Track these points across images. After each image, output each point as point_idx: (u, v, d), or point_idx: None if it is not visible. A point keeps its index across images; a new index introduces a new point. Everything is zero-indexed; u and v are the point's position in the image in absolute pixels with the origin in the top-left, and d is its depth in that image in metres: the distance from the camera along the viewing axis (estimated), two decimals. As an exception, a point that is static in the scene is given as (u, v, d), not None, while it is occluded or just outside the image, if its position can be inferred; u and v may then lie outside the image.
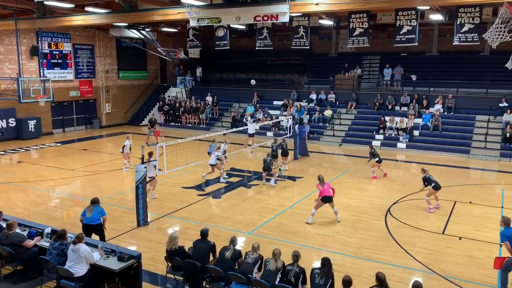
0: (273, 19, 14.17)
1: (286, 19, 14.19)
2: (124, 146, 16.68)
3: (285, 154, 16.84)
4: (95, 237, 9.29)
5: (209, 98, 29.22)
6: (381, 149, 22.01)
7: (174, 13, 15.64)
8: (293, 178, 16.16)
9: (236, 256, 7.68)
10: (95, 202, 9.36)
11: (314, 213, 11.64)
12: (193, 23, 15.37)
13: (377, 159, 15.96)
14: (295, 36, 20.47)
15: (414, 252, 9.77)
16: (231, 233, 10.71)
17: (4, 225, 8.42)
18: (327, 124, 24.69)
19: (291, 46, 20.08)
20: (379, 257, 9.52)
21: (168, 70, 34.17)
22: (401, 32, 19.51)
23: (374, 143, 22.46)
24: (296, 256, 7.27)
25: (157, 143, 14.88)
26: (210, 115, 28.67)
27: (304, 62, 31.50)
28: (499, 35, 5.98)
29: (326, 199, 11.41)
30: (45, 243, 8.29)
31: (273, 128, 24.94)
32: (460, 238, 10.58)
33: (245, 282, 7.21)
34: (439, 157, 20.27)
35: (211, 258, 8.03)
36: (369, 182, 15.71)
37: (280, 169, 16.87)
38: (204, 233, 8.18)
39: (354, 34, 20.46)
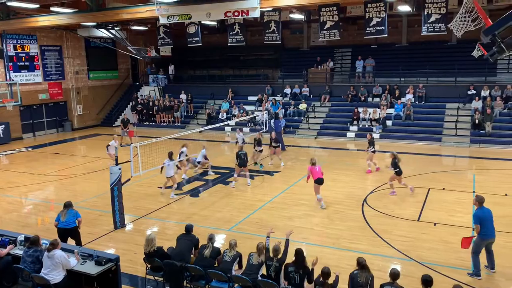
0: (244, 14, 14.13)
1: (257, 14, 14.18)
2: (109, 145, 16.44)
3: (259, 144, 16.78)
4: (71, 241, 9.11)
5: (183, 96, 28.99)
6: (356, 140, 22.39)
7: (143, 11, 15.42)
8: (270, 173, 16.20)
9: (215, 253, 7.66)
10: (68, 205, 9.18)
11: (320, 198, 12.23)
12: (163, 21, 15.18)
13: (373, 149, 15.86)
14: (267, 31, 20.49)
15: (391, 240, 9.95)
16: (211, 231, 10.68)
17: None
18: (302, 118, 24.85)
19: (264, 41, 20.10)
20: (357, 247, 9.66)
21: (140, 69, 33.71)
22: (370, 24, 19.76)
23: (349, 134, 22.85)
24: (276, 251, 7.29)
25: (131, 143, 14.65)
26: (185, 113, 28.45)
27: (277, 57, 31.55)
28: (463, 24, 6.14)
29: (320, 181, 12.06)
30: (18, 251, 8.06)
31: (249, 124, 24.93)
32: (435, 224, 10.84)
33: (225, 279, 7.20)
34: (412, 145, 20.68)
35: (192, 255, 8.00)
36: (344, 174, 15.90)
37: (260, 164, 16.85)
38: (188, 228, 8.20)
39: (325, 28, 20.60)
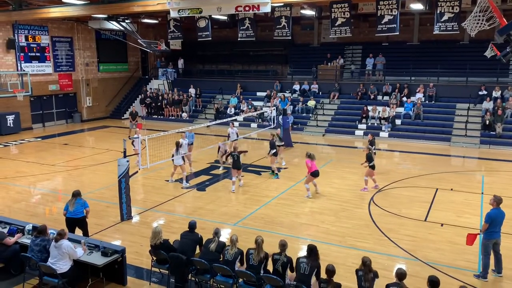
0: (255, 9, 14.06)
1: (268, 9, 14.11)
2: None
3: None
4: (78, 231, 9.17)
5: (191, 90, 29.00)
6: (364, 138, 22.23)
7: (153, 4, 15.40)
8: (277, 169, 16.15)
9: (221, 248, 7.65)
10: (76, 195, 9.22)
11: (308, 187, 12.75)
12: (173, 14, 15.16)
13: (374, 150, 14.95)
14: (277, 26, 20.39)
15: (397, 239, 9.90)
16: (216, 225, 10.71)
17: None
18: (310, 115, 24.76)
19: (274, 37, 20.01)
20: (363, 245, 9.63)
21: (150, 62, 33.77)
22: (382, 22, 19.60)
23: (357, 132, 22.76)
24: (283, 246, 7.28)
25: (139, 136, 14.69)
26: (193, 107, 28.48)
27: (287, 53, 31.45)
28: (477, 23, 6.04)
29: (315, 174, 12.58)
30: (26, 240, 8.15)
31: (257, 120, 24.89)
32: (442, 225, 10.76)
33: (230, 273, 7.21)
34: (421, 145, 20.55)
35: (197, 251, 7.99)
36: (351, 172, 15.82)
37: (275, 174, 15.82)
38: (192, 226, 8.14)
39: (336, 24, 20.46)
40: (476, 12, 6.09)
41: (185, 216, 11.32)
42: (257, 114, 24.30)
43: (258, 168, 16.26)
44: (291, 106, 24.91)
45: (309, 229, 10.59)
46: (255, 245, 7.31)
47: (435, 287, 5.99)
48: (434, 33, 15.92)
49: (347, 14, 20.39)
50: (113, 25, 24.88)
